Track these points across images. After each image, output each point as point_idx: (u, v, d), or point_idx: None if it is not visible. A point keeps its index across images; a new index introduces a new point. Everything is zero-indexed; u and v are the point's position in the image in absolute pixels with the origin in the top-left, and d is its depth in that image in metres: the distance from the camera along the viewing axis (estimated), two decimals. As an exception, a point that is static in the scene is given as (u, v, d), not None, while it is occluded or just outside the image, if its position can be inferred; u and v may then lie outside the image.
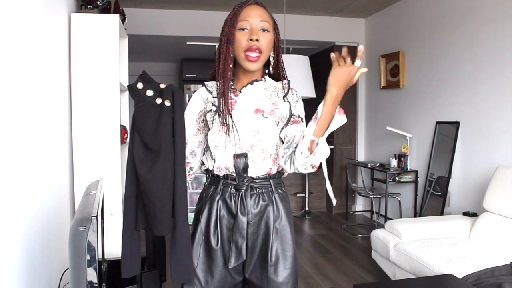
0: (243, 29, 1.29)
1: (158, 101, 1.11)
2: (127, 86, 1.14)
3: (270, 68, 1.38)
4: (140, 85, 1.11)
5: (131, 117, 1.16)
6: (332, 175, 5.40)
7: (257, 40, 1.27)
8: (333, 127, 1.18)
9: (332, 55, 1.18)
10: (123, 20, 2.88)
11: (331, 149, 5.31)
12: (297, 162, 1.22)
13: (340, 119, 1.18)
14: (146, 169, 1.11)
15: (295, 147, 1.23)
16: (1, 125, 1.40)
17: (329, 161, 5.46)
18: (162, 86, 1.14)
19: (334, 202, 1.30)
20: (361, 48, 1.17)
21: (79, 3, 2.56)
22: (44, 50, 1.96)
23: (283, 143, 1.31)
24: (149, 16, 4.69)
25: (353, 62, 1.17)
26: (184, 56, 6.93)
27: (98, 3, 2.55)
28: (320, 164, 1.24)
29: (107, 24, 2.45)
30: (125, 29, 2.97)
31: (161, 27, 4.75)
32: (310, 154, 1.19)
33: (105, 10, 2.57)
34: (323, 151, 1.19)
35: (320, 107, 1.19)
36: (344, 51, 1.18)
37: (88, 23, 2.42)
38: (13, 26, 1.54)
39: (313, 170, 1.24)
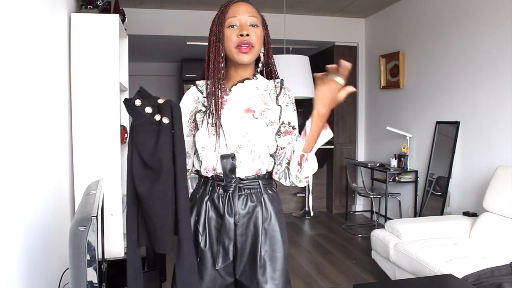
0: (232, 26, 1.27)
1: (157, 117, 1.07)
2: (124, 103, 1.10)
3: (260, 65, 1.37)
4: (138, 102, 1.07)
5: (129, 133, 1.13)
6: (332, 175, 5.41)
7: (247, 35, 1.25)
8: (320, 142, 1.24)
9: (317, 74, 1.17)
10: (123, 20, 2.88)
11: (331, 149, 5.36)
12: (292, 177, 1.29)
13: (326, 135, 1.24)
14: (145, 188, 1.08)
15: (288, 163, 1.28)
16: (1, 125, 1.40)
17: (329, 161, 5.46)
18: (160, 101, 1.10)
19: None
20: (346, 65, 1.13)
21: (79, 3, 2.56)
22: (44, 50, 1.95)
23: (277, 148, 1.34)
24: (149, 16, 4.69)
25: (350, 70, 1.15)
26: (184, 56, 6.93)
27: (98, 3, 2.55)
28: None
29: (107, 24, 2.45)
30: (125, 29, 2.97)
31: (161, 27, 4.75)
32: (300, 168, 1.25)
33: (105, 10, 2.57)
34: (312, 166, 1.26)
35: (309, 123, 1.22)
36: (330, 66, 1.16)
37: (88, 23, 2.42)
38: (13, 26, 1.54)
39: (306, 184, 1.32)
